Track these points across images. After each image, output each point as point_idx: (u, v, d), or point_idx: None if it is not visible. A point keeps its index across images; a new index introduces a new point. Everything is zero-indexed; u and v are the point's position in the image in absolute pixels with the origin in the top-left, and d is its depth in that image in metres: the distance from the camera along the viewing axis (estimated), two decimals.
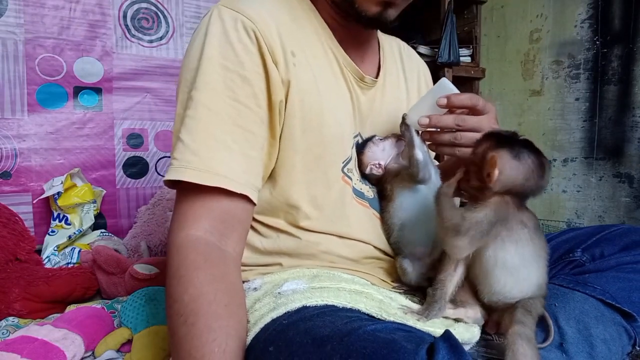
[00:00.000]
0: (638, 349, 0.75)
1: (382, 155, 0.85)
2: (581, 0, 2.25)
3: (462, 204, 0.79)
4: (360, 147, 0.86)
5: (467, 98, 0.76)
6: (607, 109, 2.18)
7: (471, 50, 2.67)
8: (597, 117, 2.21)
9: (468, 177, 0.69)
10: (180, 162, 0.67)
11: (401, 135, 0.83)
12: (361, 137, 0.87)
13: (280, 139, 0.75)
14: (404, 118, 0.81)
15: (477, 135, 0.74)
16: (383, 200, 0.87)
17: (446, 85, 0.78)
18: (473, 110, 0.77)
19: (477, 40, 2.69)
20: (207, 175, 0.66)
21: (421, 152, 0.78)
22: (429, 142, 0.82)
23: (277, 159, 0.76)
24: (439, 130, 0.80)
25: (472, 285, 0.73)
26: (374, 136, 0.87)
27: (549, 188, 2.42)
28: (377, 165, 0.85)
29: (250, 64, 0.71)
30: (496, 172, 0.63)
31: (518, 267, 0.66)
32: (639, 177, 2.08)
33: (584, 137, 2.27)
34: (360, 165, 0.86)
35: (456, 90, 0.78)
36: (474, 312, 0.71)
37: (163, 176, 1.92)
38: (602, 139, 2.20)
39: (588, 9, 2.23)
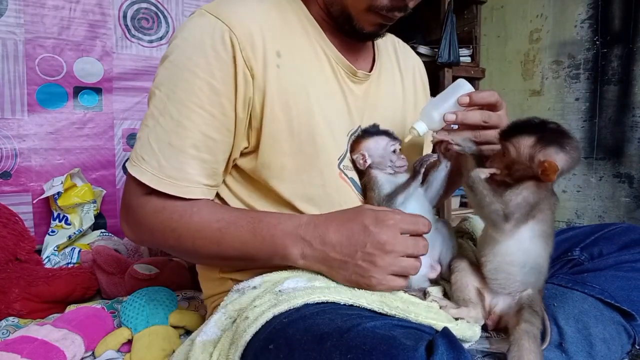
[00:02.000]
0: (638, 347, 0.75)
1: (377, 153, 0.82)
2: (581, 0, 2.25)
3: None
4: (367, 133, 0.83)
5: (489, 95, 0.76)
6: (607, 109, 2.18)
7: (471, 50, 2.67)
8: (597, 117, 2.22)
9: (504, 168, 0.71)
10: (145, 165, 0.74)
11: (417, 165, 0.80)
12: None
13: (260, 142, 0.76)
14: (415, 165, 0.79)
15: (495, 133, 0.75)
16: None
17: (465, 84, 0.78)
18: (492, 107, 0.77)
19: (477, 40, 2.70)
20: (160, 182, 0.73)
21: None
22: (449, 141, 0.78)
23: (262, 162, 0.77)
24: (456, 129, 0.78)
25: (474, 277, 0.75)
26: (394, 135, 0.84)
27: None
28: (362, 158, 0.81)
29: (220, 73, 0.73)
30: (556, 174, 0.66)
31: (531, 243, 0.70)
32: (639, 177, 2.08)
33: (584, 137, 2.27)
34: (353, 147, 0.83)
35: (473, 90, 0.77)
36: (475, 312, 0.72)
37: None
38: (602, 139, 2.20)
39: (588, 9, 2.23)
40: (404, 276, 0.69)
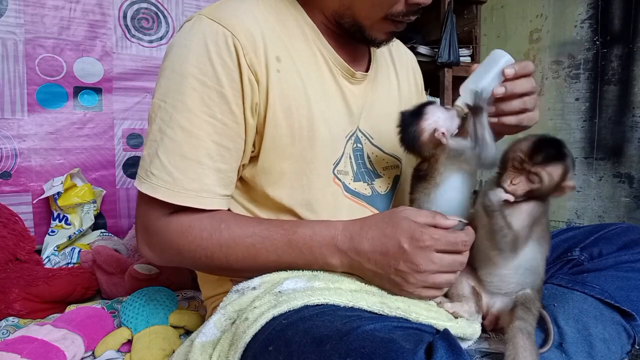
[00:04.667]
0: (637, 347, 0.75)
1: (446, 124, 0.75)
2: (581, 0, 2.25)
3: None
4: (419, 112, 0.77)
5: (528, 64, 0.76)
6: (607, 109, 2.18)
7: (471, 50, 2.67)
8: (597, 117, 2.21)
9: (527, 192, 0.69)
10: (157, 180, 0.72)
11: (469, 111, 0.74)
12: (360, 131, 0.87)
13: (262, 147, 0.76)
14: (476, 95, 0.73)
15: (535, 99, 0.76)
16: (423, 182, 0.78)
17: (503, 55, 0.76)
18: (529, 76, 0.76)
19: (477, 40, 2.69)
20: (177, 195, 0.72)
21: (489, 134, 0.72)
22: (496, 116, 0.76)
23: (262, 168, 0.77)
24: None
25: (470, 276, 0.75)
26: (434, 102, 0.80)
27: None
28: (442, 134, 0.73)
29: (227, 80, 0.72)
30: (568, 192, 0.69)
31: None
32: (639, 177, 2.08)
33: (584, 137, 2.27)
34: (420, 132, 0.76)
35: (512, 60, 0.76)
36: (468, 307, 0.72)
37: None
38: (602, 139, 2.20)
39: (588, 9, 2.23)
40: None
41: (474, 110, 0.72)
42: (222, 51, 0.71)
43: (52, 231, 1.60)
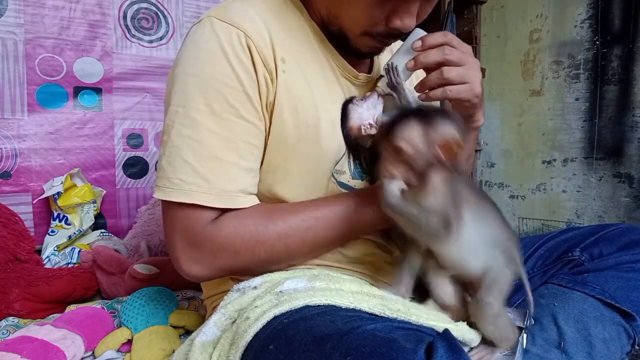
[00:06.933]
0: (637, 348, 0.75)
1: (369, 115, 0.79)
2: (581, 0, 2.26)
3: None
4: (343, 114, 0.80)
5: (439, 35, 0.76)
6: (607, 109, 2.18)
7: (471, 50, 2.67)
8: (597, 117, 2.22)
9: (406, 169, 0.61)
10: (190, 186, 0.70)
11: (389, 84, 0.78)
12: None
13: (267, 145, 0.76)
14: (392, 68, 0.77)
15: (463, 70, 0.74)
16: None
17: (418, 32, 0.78)
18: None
19: (477, 40, 2.70)
20: (218, 199, 0.71)
21: (411, 96, 0.77)
22: (419, 93, 0.78)
23: (267, 167, 0.77)
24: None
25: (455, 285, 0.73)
26: (353, 97, 0.81)
27: (549, 188, 2.42)
28: (369, 126, 0.78)
29: (247, 79, 0.72)
30: (459, 150, 0.58)
31: (486, 247, 0.66)
32: (639, 177, 2.08)
33: (584, 137, 2.27)
34: (350, 132, 0.80)
35: (424, 34, 0.78)
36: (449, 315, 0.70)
37: None
38: (602, 139, 2.20)
39: (588, 9, 2.23)
40: None
41: (393, 87, 0.77)
42: (239, 51, 0.71)
43: (52, 231, 1.60)
